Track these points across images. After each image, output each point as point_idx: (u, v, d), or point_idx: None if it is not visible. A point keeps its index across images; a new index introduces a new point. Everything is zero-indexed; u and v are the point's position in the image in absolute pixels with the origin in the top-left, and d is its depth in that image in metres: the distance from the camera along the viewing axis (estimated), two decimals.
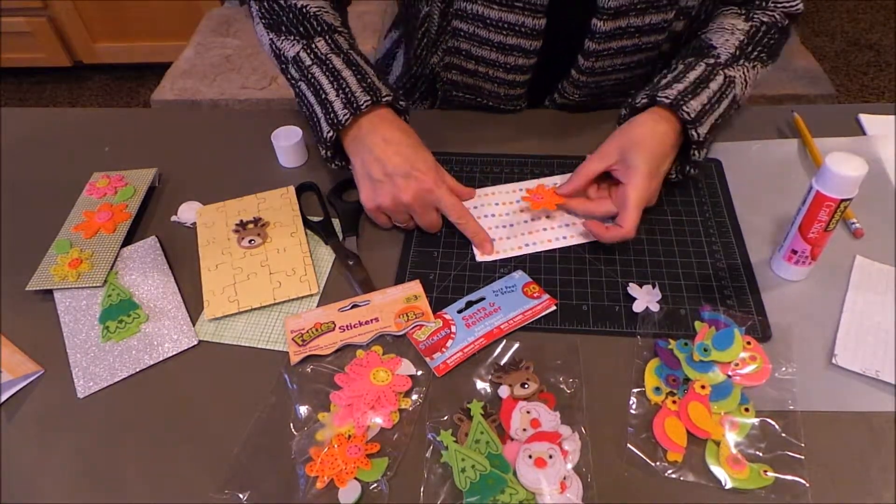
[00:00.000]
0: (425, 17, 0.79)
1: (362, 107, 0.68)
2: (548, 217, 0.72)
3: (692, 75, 0.71)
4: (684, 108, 0.67)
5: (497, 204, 0.74)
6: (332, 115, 0.69)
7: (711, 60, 0.72)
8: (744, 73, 0.74)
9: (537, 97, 0.86)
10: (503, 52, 0.77)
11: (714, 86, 0.70)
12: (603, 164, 0.68)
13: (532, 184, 0.75)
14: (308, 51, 0.73)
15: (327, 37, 0.74)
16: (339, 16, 0.79)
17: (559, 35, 0.75)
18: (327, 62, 0.72)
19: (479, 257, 0.68)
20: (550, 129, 0.84)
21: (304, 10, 0.75)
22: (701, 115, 0.67)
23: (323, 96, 0.70)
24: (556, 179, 0.76)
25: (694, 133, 0.67)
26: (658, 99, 0.68)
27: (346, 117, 0.68)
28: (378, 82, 0.71)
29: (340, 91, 0.70)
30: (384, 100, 0.70)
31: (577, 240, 0.69)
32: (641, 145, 0.66)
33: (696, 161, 0.69)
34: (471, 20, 0.75)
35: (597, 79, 0.80)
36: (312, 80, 0.72)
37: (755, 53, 0.75)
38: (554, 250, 0.68)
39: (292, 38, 0.75)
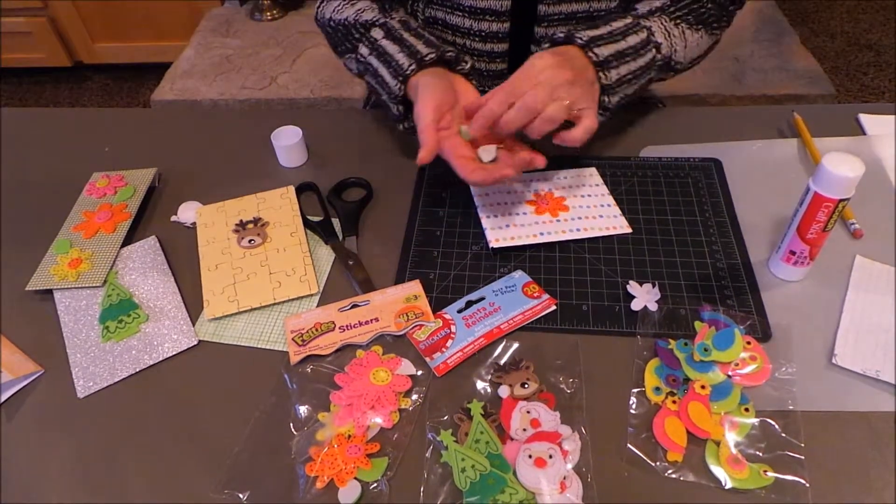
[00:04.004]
0: None
1: (426, 59, 0.71)
2: (562, 210, 0.72)
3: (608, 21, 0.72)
4: (595, 49, 0.68)
5: (509, 192, 0.74)
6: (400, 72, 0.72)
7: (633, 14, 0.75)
8: (663, 25, 0.74)
9: None
10: (476, 18, 0.78)
11: (619, 24, 0.72)
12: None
13: (543, 186, 0.75)
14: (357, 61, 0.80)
15: (364, 40, 0.78)
16: (375, 6, 0.81)
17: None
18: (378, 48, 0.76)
19: (493, 244, 0.68)
20: None
21: (345, 22, 0.79)
22: (597, 41, 0.69)
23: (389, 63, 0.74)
24: (565, 174, 0.76)
25: (583, 41, 0.69)
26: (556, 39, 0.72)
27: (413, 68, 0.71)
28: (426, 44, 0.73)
29: (395, 62, 0.73)
30: (447, 55, 0.72)
31: (591, 233, 0.69)
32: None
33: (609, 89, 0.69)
34: None
35: None
36: (371, 70, 0.76)
37: (677, 14, 0.75)
38: (553, 250, 0.68)
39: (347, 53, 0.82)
